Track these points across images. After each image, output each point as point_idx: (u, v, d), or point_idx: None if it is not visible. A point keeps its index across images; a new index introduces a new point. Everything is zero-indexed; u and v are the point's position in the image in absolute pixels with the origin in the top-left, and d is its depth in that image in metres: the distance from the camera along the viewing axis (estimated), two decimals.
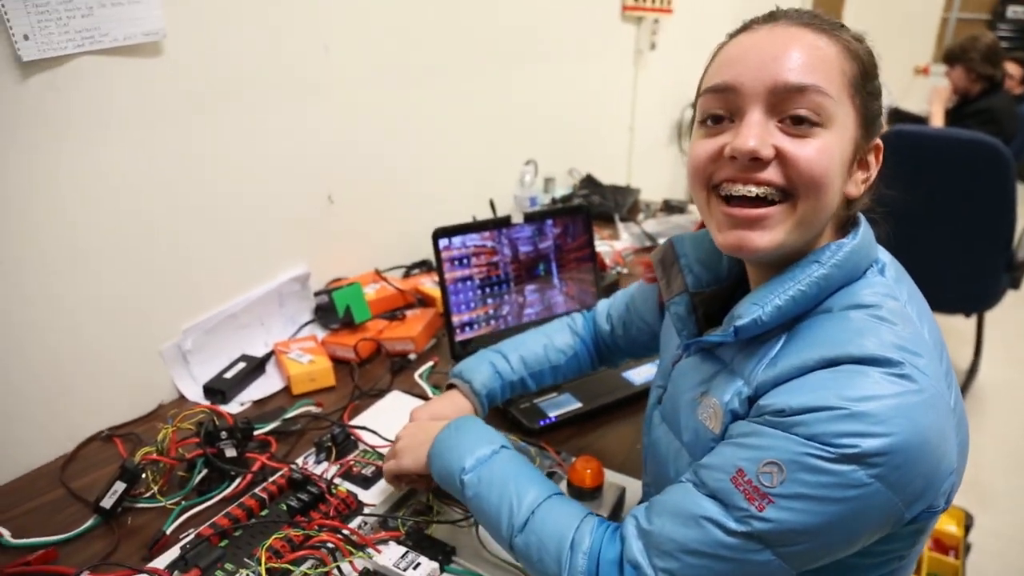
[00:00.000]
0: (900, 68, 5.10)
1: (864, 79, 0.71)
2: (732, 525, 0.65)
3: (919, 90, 4.89)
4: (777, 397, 0.66)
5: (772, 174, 0.69)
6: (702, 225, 1.06)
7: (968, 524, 2.09)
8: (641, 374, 1.35)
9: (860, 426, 0.60)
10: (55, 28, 1.03)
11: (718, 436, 0.73)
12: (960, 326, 3.36)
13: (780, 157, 0.68)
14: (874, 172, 0.75)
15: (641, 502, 0.98)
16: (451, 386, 1.14)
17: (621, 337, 1.15)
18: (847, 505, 0.62)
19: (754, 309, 0.71)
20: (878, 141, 0.74)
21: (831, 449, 0.61)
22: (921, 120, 3.76)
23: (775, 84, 0.68)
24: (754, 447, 0.66)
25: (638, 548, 0.71)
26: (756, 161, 0.68)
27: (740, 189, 0.70)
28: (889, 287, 0.72)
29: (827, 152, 0.68)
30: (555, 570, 0.75)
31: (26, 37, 1.00)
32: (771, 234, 0.70)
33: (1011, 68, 3.61)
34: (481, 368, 1.12)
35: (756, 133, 0.68)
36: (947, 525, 2.05)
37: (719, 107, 0.72)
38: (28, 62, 1.02)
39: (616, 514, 1.01)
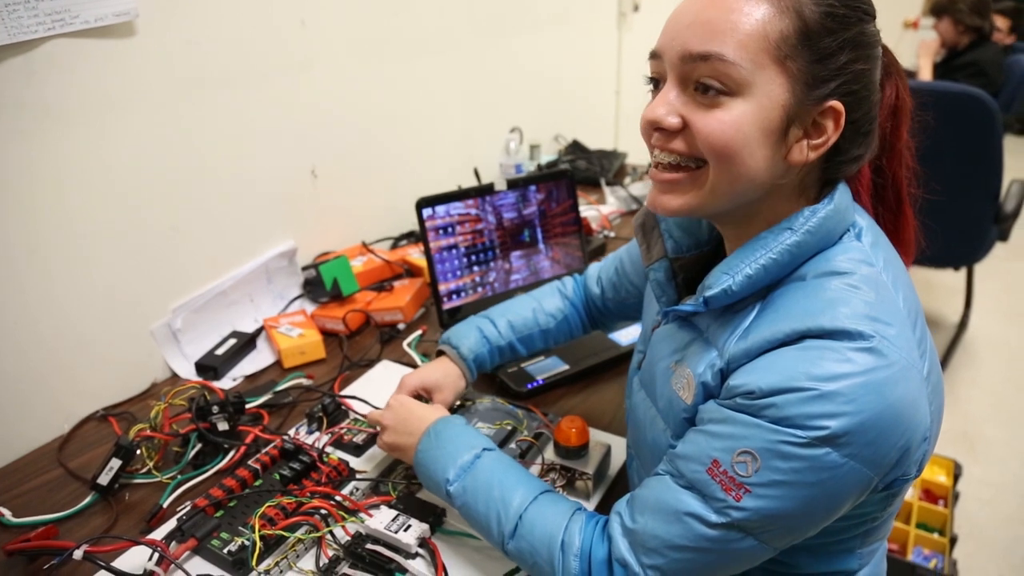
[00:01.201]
0: (890, 22, 5.05)
1: (804, 38, 0.65)
2: (712, 518, 0.66)
3: (909, 44, 4.85)
4: (747, 377, 0.66)
5: (678, 143, 0.70)
6: None
7: (957, 474, 2.13)
8: (627, 335, 1.37)
9: (830, 406, 0.61)
10: (24, 12, 1.02)
11: (690, 407, 0.74)
12: (950, 279, 3.38)
13: (686, 126, 0.69)
14: (832, 136, 0.69)
15: (626, 463, 1.01)
16: (440, 353, 1.15)
17: (611, 300, 1.16)
18: (823, 487, 0.63)
19: (724, 279, 0.70)
20: (835, 104, 0.67)
21: (802, 433, 0.61)
22: (909, 74, 3.74)
23: (683, 52, 0.67)
24: (727, 436, 0.66)
25: (625, 547, 0.72)
26: (663, 130, 0.70)
27: (659, 156, 0.72)
28: (865, 252, 0.71)
29: (732, 122, 0.66)
30: (549, 573, 0.76)
31: None
32: (682, 198, 0.71)
33: (999, 21, 3.58)
34: (469, 334, 1.13)
35: (662, 102, 0.69)
36: (937, 475, 2.09)
37: (655, 72, 0.73)
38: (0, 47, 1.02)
39: (602, 471, 1.03)
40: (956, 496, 2.08)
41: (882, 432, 0.62)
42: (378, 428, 1.02)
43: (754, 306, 0.72)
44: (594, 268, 1.21)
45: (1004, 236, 2.83)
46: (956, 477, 2.11)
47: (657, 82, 0.73)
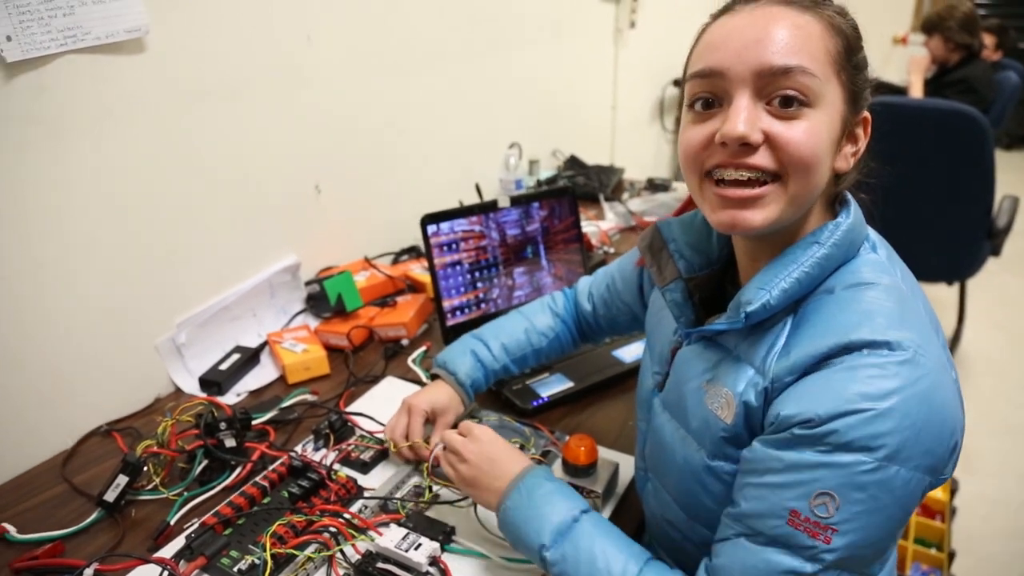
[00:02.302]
0: (879, 38, 5.11)
1: (848, 53, 0.71)
2: (808, 568, 0.65)
3: (898, 60, 4.91)
4: (799, 405, 0.66)
5: (762, 158, 0.69)
6: (683, 207, 1.07)
7: (954, 489, 2.14)
8: (631, 352, 1.38)
9: (888, 423, 0.62)
10: (37, 28, 1.03)
11: (730, 427, 0.74)
12: (943, 294, 3.40)
13: (769, 140, 0.69)
14: (863, 145, 0.75)
15: (633, 482, 1.00)
16: (435, 375, 1.16)
17: (603, 317, 1.17)
18: (900, 503, 0.64)
19: (762, 294, 0.71)
20: (866, 114, 0.75)
21: (868, 457, 0.62)
22: (900, 91, 3.78)
23: (760, 67, 0.68)
24: (797, 484, 0.65)
25: None
26: (746, 146, 0.69)
27: (732, 174, 0.70)
28: (883, 264, 0.74)
29: (815, 132, 0.68)
30: None
31: (8, 38, 1.00)
32: (765, 212, 0.70)
33: (985, 38, 3.63)
34: (464, 358, 1.15)
35: (744, 118, 0.68)
36: (934, 490, 2.10)
37: (706, 92, 0.72)
38: (12, 63, 1.02)
39: (610, 489, 1.04)
40: (953, 511, 2.10)
41: (935, 438, 0.64)
42: (438, 448, 0.99)
43: (785, 321, 0.73)
44: (584, 283, 1.21)
45: (996, 251, 2.86)
46: (953, 492, 2.12)
47: (706, 102, 0.73)
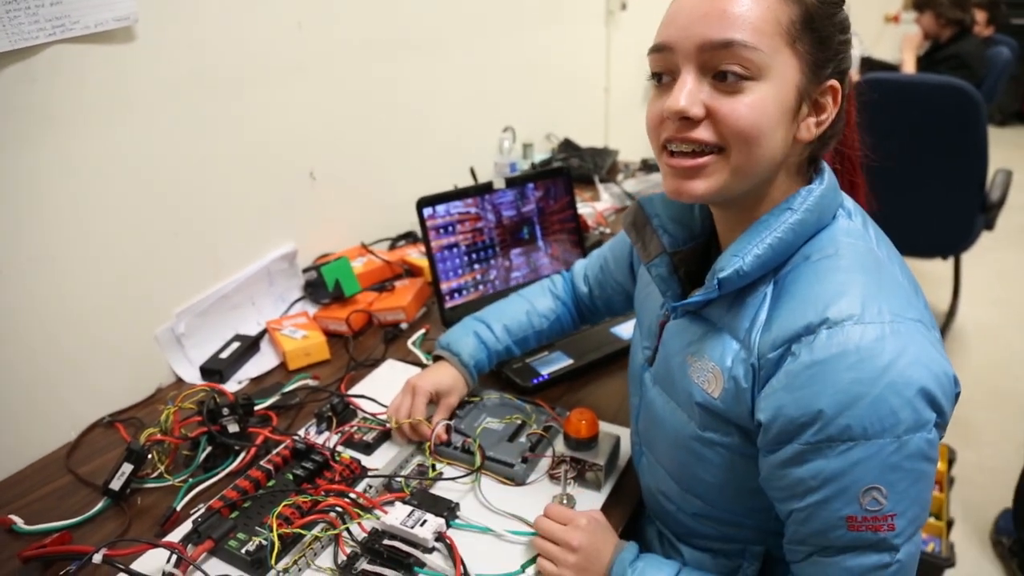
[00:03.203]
0: (871, 17, 5.11)
1: (807, 22, 0.70)
2: (887, 558, 0.67)
3: (890, 38, 4.91)
4: (800, 406, 0.66)
5: (704, 132, 0.70)
6: None
7: (951, 459, 2.16)
8: (629, 329, 1.38)
9: (894, 400, 0.63)
10: (25, 18, 1.02)
11: (718, 401, 0.75)
12: (938, 269, 3.41)
13: (711, 114, 0.70)
14: (831, 113, 0.74)
15: (631, 456, 1.01)
16: (437, 357, 1.17)
17: (599, 298, 1.19)
18: (932, 460, 0.67)
19: (735, 260, 0.72)
20: (833, 83, 0.73)
21: (889, 439, 0.64)
22: (893, 68, 3.78)
23: (702, 42, 0.68)
24: (839, 494, 0.66)
25: None
26: (688, 120, 0.70)
27: (679, 146, 0.72)
28: (859, 231, 0.75)
29: (758, 105, 0.68)
30: None
31: None
32: (707, 181, 0.72)
33: (976, 13, 3.63)
34: (467, 339, 1.15)
35: (686, 92, 0.69)
36: None
37: (660, 67, 0.73)
38: (1, 53, 1.01)
39: (613, 461, 1.04)
40: (951, 481, 2.11)
41: (942, 393, 0.66)
42: (440, 427, 1.04)
43: (764, 291, 0.74)
44: (580, 266, 1.23)
45: (990, 225, 2.87)
46: (951, 462, 2.14)
47: (661, 76, 0.74)
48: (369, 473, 1.03)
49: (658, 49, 0.73)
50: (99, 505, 1.03)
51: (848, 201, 0.79)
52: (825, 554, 0.70)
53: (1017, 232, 4.01)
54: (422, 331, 1.47)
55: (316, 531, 0.91)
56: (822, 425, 0.65)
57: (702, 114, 0.70)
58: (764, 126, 0.69)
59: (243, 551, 0.89)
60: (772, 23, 0.68)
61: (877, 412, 0.63)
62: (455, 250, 1.41)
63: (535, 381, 1.25)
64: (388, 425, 1.12)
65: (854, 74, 3.20)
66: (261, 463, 1.04)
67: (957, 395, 0.70)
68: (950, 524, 1.94)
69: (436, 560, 0.87)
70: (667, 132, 0.73)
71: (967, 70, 3.24)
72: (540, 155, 2.40)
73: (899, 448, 0.64)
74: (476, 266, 1.44)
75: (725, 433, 0.77)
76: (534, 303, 1.20)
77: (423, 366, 1.29)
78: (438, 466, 1.05)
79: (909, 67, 3.50)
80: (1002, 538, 2.03)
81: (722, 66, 0.68)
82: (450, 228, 1.40)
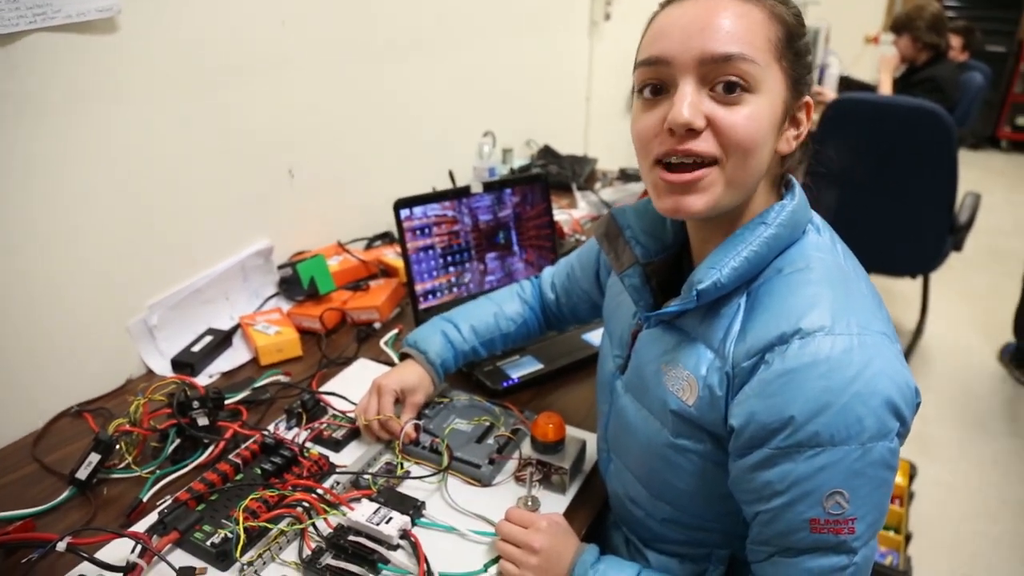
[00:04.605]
0: (851, 37, 5.19)
1: (789, 40, 0.74)
2: (845, 560, 0.69)
3: (870, 59, 4.99)
4: (772, 413, 0.69)
5: (704, 144, 0.71)
6: (644, 195, 1.11)
7: (912, 474, 2.21)
8: (599, 336, 1.40)
9: (860, 408, 0.66)
10: (5, 4, 1.02)
11: (692, 409, 0.77)
12: (907, 287, 3.48)
13: (712, 125, 0.71)
14: (805, 128, 0.78)
15: (598, 462, 1.03)
16: (405, 355, 1.18)
17: (565, 305, 1.21)
18: (892, 467, 0.69)
19: (712, 273, 0.74)
20: (807, 98, 0.77)
21: (853, 446, 0.66)
22: (870, 88, 3.85)
23: (703, 55, 0.70)
24: (803, 496, 0.68)
25: None
26: (691, 131, 0.71)
27: (679, 159, 0.73)
28: (828, 245, 0.78)
29: (756, 117, 0.71)
30: None
31: None
32: (705, 196, 0.73)
33: (952, 39, 3.71)
34: (434, 338, 1.17)
35: (688, 103, 0.70)
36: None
37: (654, 79, 0.74)
38: None
39: (578, 465, 1.06)
40: (911, 495, 2.16)
41: (904, 403, 0.68)
42: (408, 426, 1.07)
43: (738, 302, 0.76)
44: (548, 273, 1.25)
45: (958, 246, 2.93)
46: (912, 477, 2.18)
47: (651, 89, 0.75)
48: (337, 470, 1.04)
49: (651, 63, 0.74)
50: (64, 494, 1.03)
51: (816, 217, 0.81)
52: (787, 555, 0.72)
53: (985, 254, 4.11)
54: (395, 331, 1.48)
55: (282, 525, 0.91)
56: (792, 431, 0.67)
57: (704, 124, 0.71)
58: (760, 137, 0.72)
59: (208, 543, 0.89)
60: (764, 39, 0.71)
61: (844, 420, 0.66)
62: (431, 252, 1.42)
63: (505, 384, 1.26)
64: (357, 423, 1.13)
65: (831, 92, 3.25)
66: (230, 457, 1.04)
67: (918, 405, 0.72)
68: (908, 538, 1.98)
69: (400, 557, 0.88)
70: (664, 146, 0.73)
71: (941, 93, 3.31)
72: (519, 161, 2.42)
73: (863, 455, 0.66)
74: (451, 269, 1.45)
75: (698, 440, 0.79)
76: (502, 306, 1.22)
77: (394, 365, 1.30)
78: (405, 465, 1.06)
79: (886, 88, 3.56)
80: (1005, 357, 3.09)
81: (723, 78, 0.70)
82: (426, 230, 1.41)
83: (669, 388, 0.80)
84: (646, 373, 0.84)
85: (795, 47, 0.74)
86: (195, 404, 1.10)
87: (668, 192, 0.74)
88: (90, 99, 1.18)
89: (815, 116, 0.85)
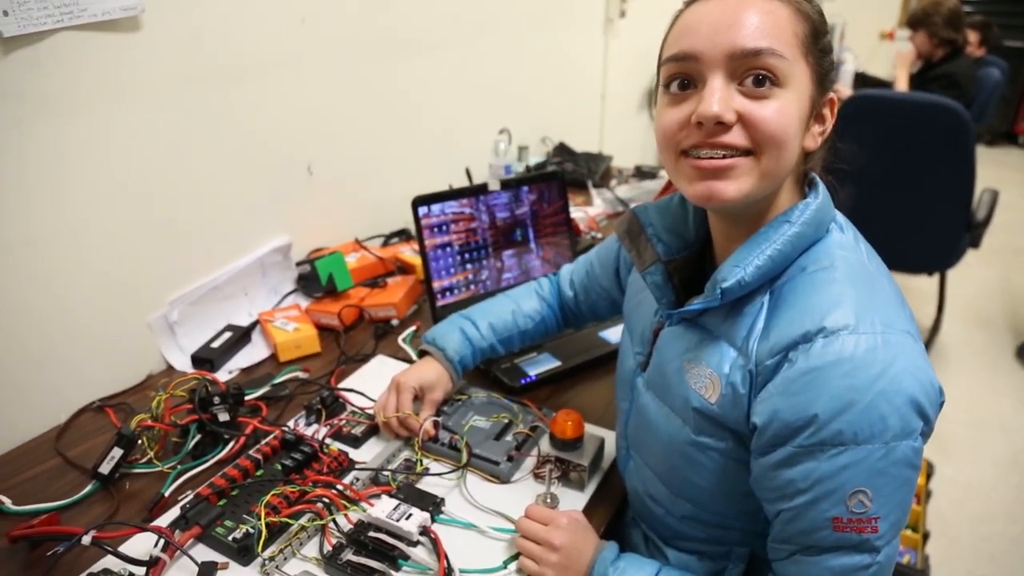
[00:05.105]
0: (866, 33, 5.16)
1: (815, 37, 0.74)
2: (868, 560, 0.69)
3: (885, 55, 4.96)
4: (800, 410, 0.68)
5: (736, 136, 0.71)
6: (662, 193, 1.10)
7: (930, 473, 2.19)
8: (617, 333, 1.40)
9: (884, 407, 0.66)
10: (34, 4, 1.03)
11: (715, 407, 0.77)
12: (923, 285, 3.46)
13: (742, 119, 0.71)
14: (829, 125, 0.78)
15: (615, 459, 1.03)
16: (423, 352, 1.18)
17: (584, 303, 1.21)
18: (916, 467, 0.69)
19: (737, 271, 0.74)
20: (832, 95, 0.78)
21: (877, 445, 0.66)
22: (886, 84, 3.82)
23: (732, 50, 0.70)
24: (827, 495, 0.68)
25: None
26: (720, 125, 0.71)
27: (708, 152, 0.73)
28: (851, 244, 0.78)
29: (785, 111, 0.71)
30: None
31: (5, 13, 1.01)
32: (738, 183, 0.72)
33: (969, 34, 3.67)
34: (452, 335, 1.17)
35: (718, 99, 0.70)
36: None
37: (681, 73, 0.74)
38: (8, 38, 1.02)
39: (597, 462, 1.06)
40: (929, 494, 2.15)
41: (928, 402, 0.68)
42: (428, 422, 1.07)
43: (761, 301, 0.76)
44: (566, 271, 1.25)
45: (976, 243, 2.91)
46: (929, 476, 2.17)
47: (680, 83, 0.75)
48: (357, 466, 1.05)
49: (679, 58, 0.74)
50: (87, 488, 1.04)
51: (839, 215, 0.81)
52: (808, 553, 0.72)
53: (1002, 251, 4.07)
54: (412, 328, 1.48)
55: (303, 521, 0.92)
56: (816, 429, 0.67)
57: (735, 119, 0.71)
58: (790, 131, 0.72)
59: (230, 538, 0.90)
60: (791, 35, 0.72)
61: (868, 418, 0.66)
62: (448, 249, 1.43)
63: (523, 381, 1.26)
64: (377, 420, 1.13)
65: (847, 89, 3.21)
66: (250, 452, 1.06)
67: (941, 404, 0.72)
68: (926, 537, 1.97)
69: (420, 553, 0.89)
70: (692, 139, 0.73)
71: (958, 90, 3.28)
72: (535, 158, 2.42)
73: (887, 454, 0.66)
74: (468, 266, 1.45)
75: (719, 438, 0.79)
76: (520, 304, 1.22)
77: (413, 363, 1.30)
78: (424, 462, 1.07)
79: (902, 84, 3.53)
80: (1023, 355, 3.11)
81: (752, 72, 0.71)
82: (444, 227, 1.42)
83: (691, 386, 0.80)
84: (668, 371, 0.85)
85: (820, 43, 0.75)
86: (215, 400, 1.10)
87: (700, 178, 0.74)
88: (110, 96, 1.19)
89: None
